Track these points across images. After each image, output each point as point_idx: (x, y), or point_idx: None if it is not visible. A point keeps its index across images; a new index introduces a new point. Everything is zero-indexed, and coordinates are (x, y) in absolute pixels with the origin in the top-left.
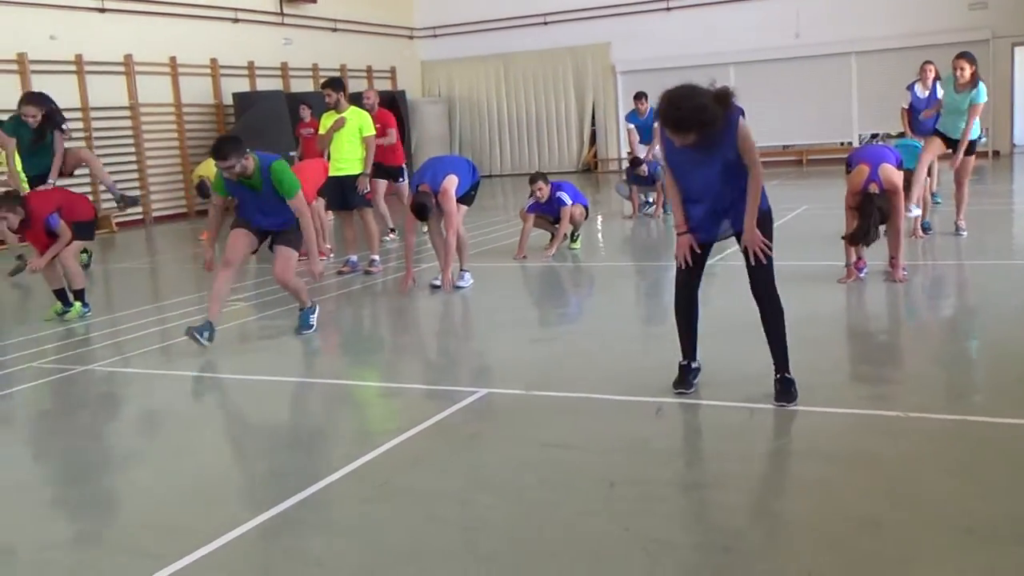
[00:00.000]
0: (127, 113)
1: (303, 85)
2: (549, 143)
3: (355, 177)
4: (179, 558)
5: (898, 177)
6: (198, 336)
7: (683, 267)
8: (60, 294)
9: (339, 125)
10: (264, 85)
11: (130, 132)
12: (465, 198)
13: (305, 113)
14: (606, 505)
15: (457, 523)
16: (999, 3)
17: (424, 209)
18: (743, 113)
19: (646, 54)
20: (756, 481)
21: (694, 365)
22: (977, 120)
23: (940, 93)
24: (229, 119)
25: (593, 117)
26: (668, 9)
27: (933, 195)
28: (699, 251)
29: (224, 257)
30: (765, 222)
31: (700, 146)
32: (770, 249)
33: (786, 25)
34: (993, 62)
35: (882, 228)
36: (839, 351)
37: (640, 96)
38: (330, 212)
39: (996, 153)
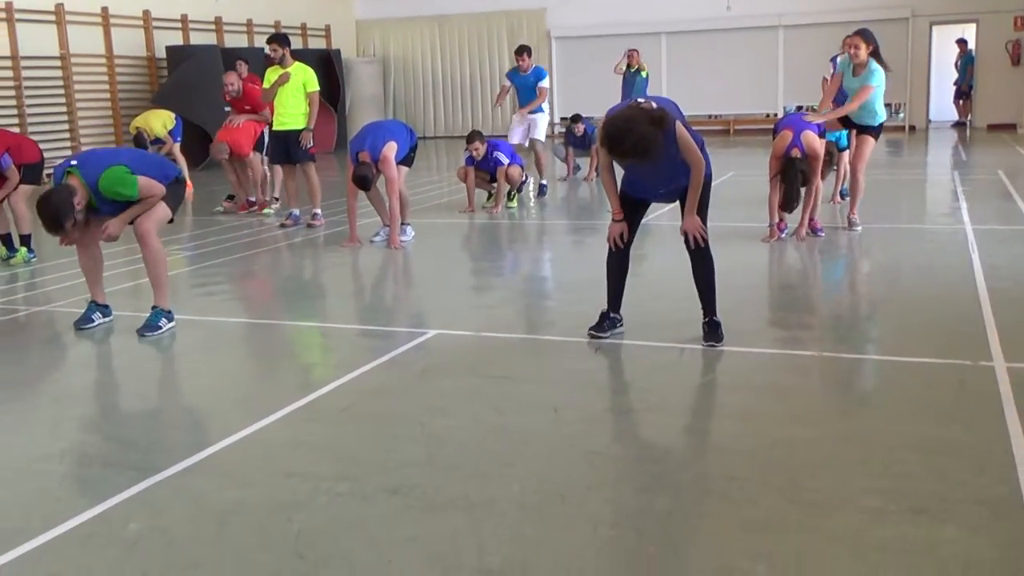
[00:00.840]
0: (58, 63)
1: (237, 40)
2: (484, 105)
3: (298, 132)
4: (171, 464)
5: (819, 144)
6: (87, 325)
7: (613, 250)
8: (5, 239)
9: (283, 80)
10: (197, 40)
11: (61, 83)
12: (405, 160)
13: (242, 68)
14: (553, 428)
15: (419, 440)
16: None
17: (366, 180)
18: (679, 111)
19: (581, 20)
20: (685, 407)
21: (614, 315)
22: (879, 102)
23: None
24: (162, 72)
25: None
26: None
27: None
28: (626, 238)
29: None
30: (705, 188)
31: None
32: (706, 231)
33: None
34: (912, 40)
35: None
36: (761, 300)
37: (523, 51)
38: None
39: (912, 128)
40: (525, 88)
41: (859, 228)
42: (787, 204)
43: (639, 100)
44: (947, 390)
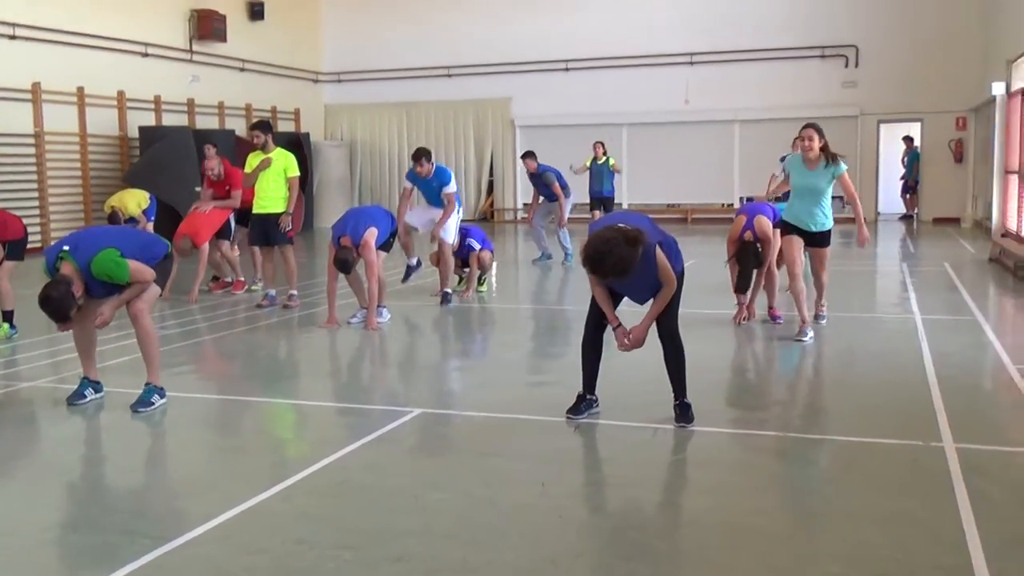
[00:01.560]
0: (31, 141)
1: (209, 122)
2: None
3: (278, 215)
4: (183, 533)
5: (770, 228)
6: (79, 401)
7: (623, 350)
8: (8, 316)
9: (265, 165)
10: (170, 120)
11: (33, 160)
12: (384, 246)
13: (210, 152)
14: (539, 500)
15: (414, 512)
16: (867, 83)
17: (347, 264)
18: (654, 228)
19: (545, 110)
20: (660, 483)
21: (590, 397)
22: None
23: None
24: (134, 152)
25: (492, 168)
26: (567, 69)
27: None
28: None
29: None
30: (678, 287)
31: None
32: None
33: (677, 91)
34: (861, 136)
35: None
36: (727, 383)
37: (419, 156)
38: (236, 248)
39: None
40: (430, 192)
41: (825, 319)
42: (741, 285)
43: (618, 223)
44: (902, 467)
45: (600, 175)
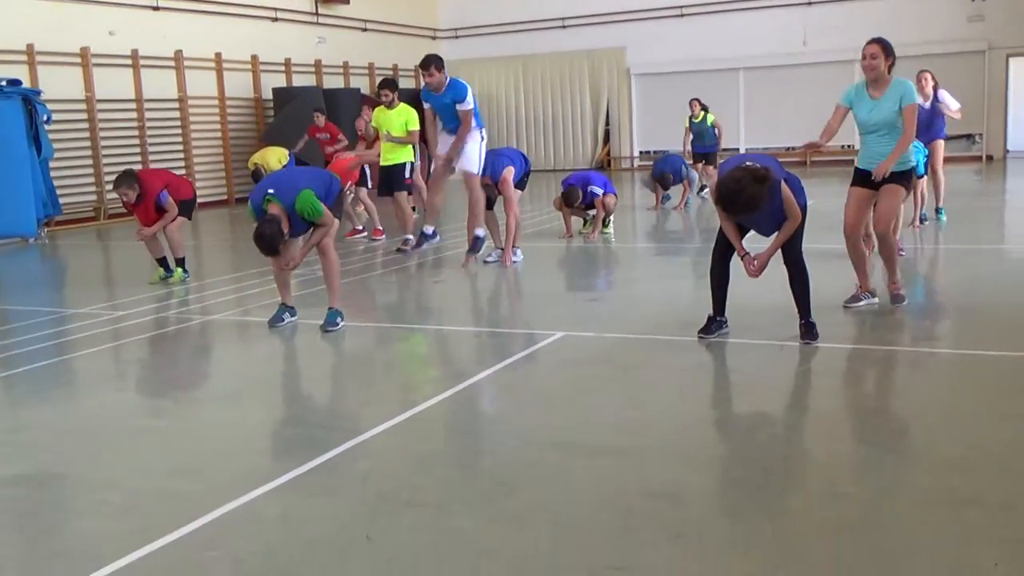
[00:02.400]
0: (176, 105)
1: (335, 82)
2: (564, 141)
3: (400, 166)
4: (368, 429)
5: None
6: (279, 323)
7: (752, 276)
8: (162, 262)
9: (387, 138)
10: (299, 81)
11: (178, 123)
12: (519, 184)
13: (320, 119)
14: (680, 403)
15: (573, 408)
16: (995, 16)
17: (488, 200)
18: (785, 178)
19: (660, 58)
20: (788, 389)
21: (720, 319)
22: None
23: (941, 99)
24: (268, 112)
25: (608, 117)
26: (682, 15)
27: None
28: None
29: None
30: (802, 219)
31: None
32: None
33: (794, 34)
34: (989, 72)
35: None
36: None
37: (427, 64)
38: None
39: (990, 158)
40: (446, 112)
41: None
42: None
43: (747, 162)
44: (1009, 376)
45: (701, 133)
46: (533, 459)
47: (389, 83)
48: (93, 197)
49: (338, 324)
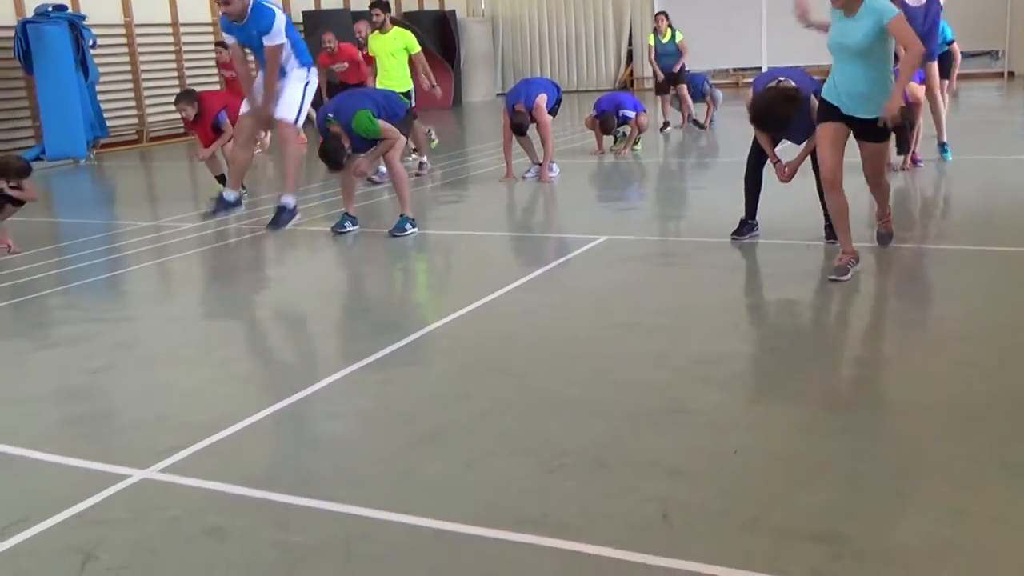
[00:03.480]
0: (210, 29)
1: (361, 3)
2: (587, 61)
3: (404, 94)
4: (440, 319)
5: (920, 90)
6: (341, 230)
7: (783, 181)
8: (221, 179)
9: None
10: (327, 4)
11: (212, 47)
12: (551, 111)
13: (331, 44)
14: (720, 290)
15: (627, 299)
16: None
17: (522, 127)
18: (814, 91)
19: None
20: (813, 285)
21: (751, 222)
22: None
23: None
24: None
25: (631, 38)
26: None
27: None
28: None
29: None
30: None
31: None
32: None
33: None
34: None
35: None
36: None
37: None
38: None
39: (1011, 74)
40: (252, 44)
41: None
42: (901, 147)
43: (778, 78)
44: (1005, 269)
45: (666, 54)
46: (596, 336)
47: (380, 3)
48: (135, 120)
49: (407, 230)
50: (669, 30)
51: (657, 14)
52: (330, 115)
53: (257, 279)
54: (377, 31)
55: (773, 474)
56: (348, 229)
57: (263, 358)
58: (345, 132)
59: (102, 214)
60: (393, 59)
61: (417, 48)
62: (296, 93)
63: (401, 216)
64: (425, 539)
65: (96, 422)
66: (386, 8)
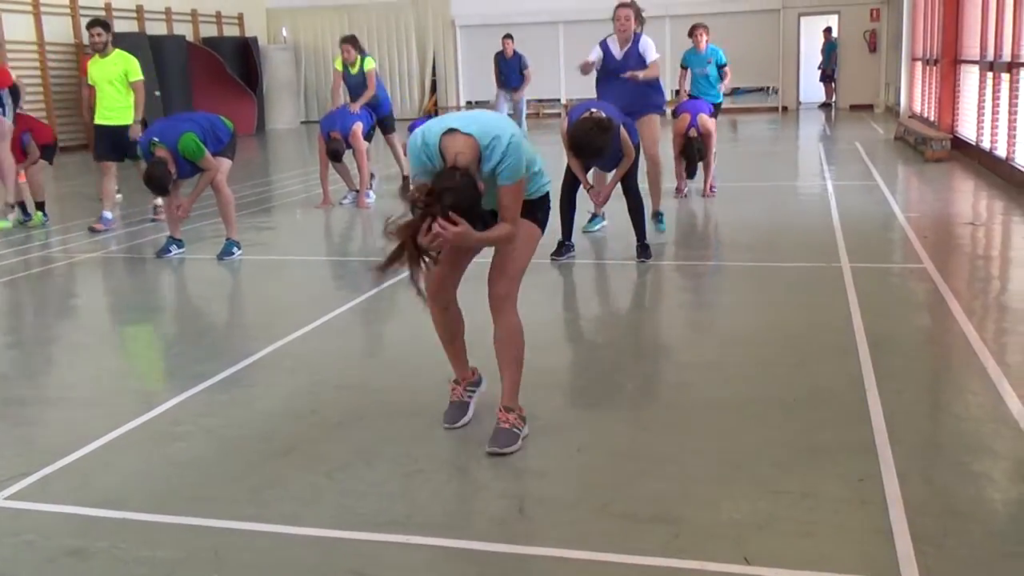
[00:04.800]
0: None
1: (158, 28)
2: (392, 91)
3: (125, 127)
4: (276, 340)
5: (712, 124)
6: (166, 254)
7: (597, 206)
8: (21, 206)
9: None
10: (121, 28)
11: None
12: (367, 136)
13: None
14: (545, 306)
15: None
16: None
17: (338, 153)
18: (622, 123)
19: (483, 11)
20: (627, 301)
21: (568, 243)
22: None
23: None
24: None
25: (434, 67)
26: None
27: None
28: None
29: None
30: (635, 159)
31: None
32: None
33: None
34: (783, 29)
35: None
36: (680, 231)
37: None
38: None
39: (785, 108)
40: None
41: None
42: (690, 172)
43: (592, 110)
44: (806, 278)
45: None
46: (432, 351)
47: (101, 23)
48: None
49: (233, 253)
50: (359, 58)
51: (343, 42)
52: (155, 139)
53: (86, 304)
54: (97, 55)
55: (613, 468)
56: (173, 252)
57: (101, 383)
58: (171, 156)
59: None
60: (111, 87)
61: (139, 75)
62: None
63: (228, 240)
64: (294, 544)
65: None
66: (107, 28)
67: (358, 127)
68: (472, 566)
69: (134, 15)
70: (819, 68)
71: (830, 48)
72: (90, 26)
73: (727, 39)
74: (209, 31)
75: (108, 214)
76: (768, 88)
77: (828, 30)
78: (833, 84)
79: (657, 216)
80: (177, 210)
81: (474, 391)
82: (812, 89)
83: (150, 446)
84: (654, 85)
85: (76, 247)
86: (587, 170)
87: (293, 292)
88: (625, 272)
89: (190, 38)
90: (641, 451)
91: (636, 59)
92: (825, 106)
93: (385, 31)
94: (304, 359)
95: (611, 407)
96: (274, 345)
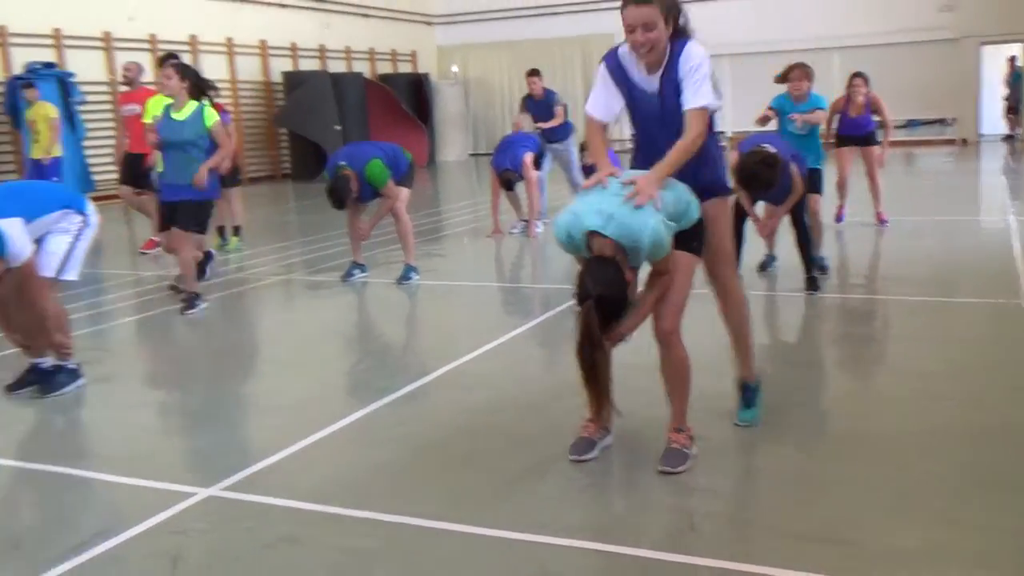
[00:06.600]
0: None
1: (338, 66)
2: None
3: None
4: (452, 360)
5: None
6: (350, 278)
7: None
8: (220, 230)
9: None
10: (304, 66)
11: None
12: (537, 165)
13: None
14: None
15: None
16: (966, 5)
17: (511, 183)
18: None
19: None
20: (794, 330)
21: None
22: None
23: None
24: (277, 95)
25: None
26: None
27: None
28: None
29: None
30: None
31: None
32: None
33: (775, 20)
34: (962, 59)
35: None
36: (843, 262)
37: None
38: None
39: (964, 141)
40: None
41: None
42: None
43: (761, 144)
44: (977, 316)
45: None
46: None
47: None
48: (117, 175)
49: (411, 279)
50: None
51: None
52: (342, 162)
53: (280, 322)
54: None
55: (782, 490)
56: (356, 276)
57: (300, 393)
58: (356, 178)
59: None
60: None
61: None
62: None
63: (406, 265)
64: (479, 544)
65: (158, 447)
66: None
67: (528, 157)
68: (645, 573)
69: (317, 54)
70: (1004, 100)
71: (1016, 78)
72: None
73: (900, 69)
74: (384, 68)
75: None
76: (946, 120)
77: (1013, 59)
78: (1018, 115)
79: (747, 393)
80: (358, 236)
81: (604, 436)
82: (994, 121)
83: (347, 449)
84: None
85: (265, 271)
86: (754, 203)
87: (467, 316)
88: (792, 304)
89: (367, 75)
90: (810, 476)
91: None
92: (1009, 139)
93: (551, 66)
94: (479, 378)
95: (780, 433)
96: (451, 364)
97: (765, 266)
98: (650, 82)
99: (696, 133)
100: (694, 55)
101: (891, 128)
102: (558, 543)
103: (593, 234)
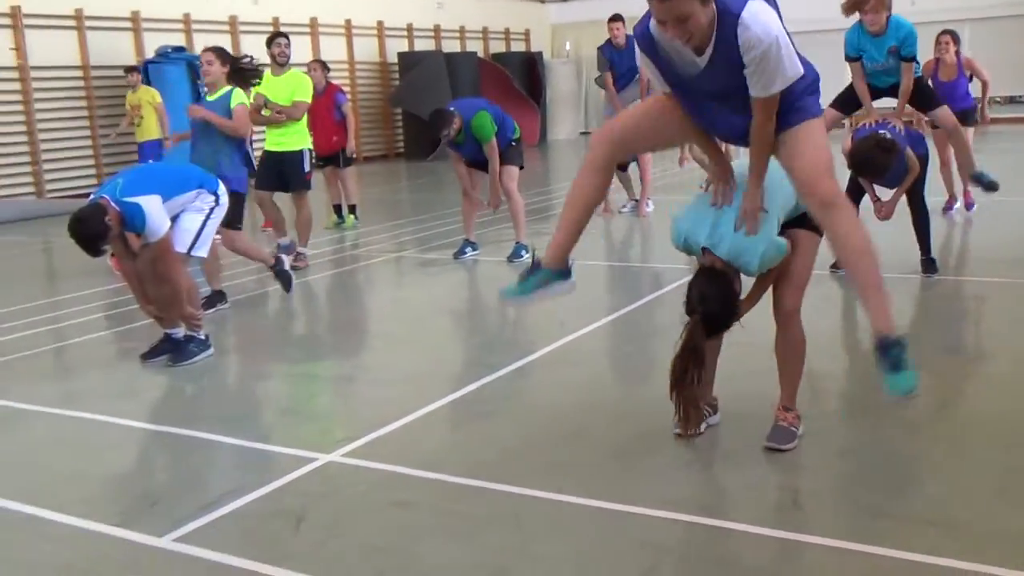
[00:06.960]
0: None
1: (452, 46)
2: None
3: (296, 152)
4: (560, 337)
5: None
6: (462, 256)
7: (881, 219)
8: (337, 208)
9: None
10: (420, 46)
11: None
12: None
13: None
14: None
15: None
16: None
17: (625, 164)
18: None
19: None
20: (913, 310)
21: None
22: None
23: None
24: (392, 75)
25: None
26: None
27: None
28: None
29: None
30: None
31: None
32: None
33: None
34: None
35: None
36: (947, 246)
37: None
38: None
39: None
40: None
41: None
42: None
43: (878, 132)
44: None
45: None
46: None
47: (283, 34)
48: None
49: (522, 256)
50: None
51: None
52: (451, 108)
53: (393, 298)
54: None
55: (886, 470)
56: (468, 253)
57: (413, 366)
58: (463, 127)
59: None
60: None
61: (307, 96)
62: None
63: (517, 243)
64: (584, 514)
65: (281, 414)
66: (287, 40)
67: None
68: (748, 547)
69: (431, 34)
70: None
71: None
72: (272, 39)
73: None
74: (498, 47)
75: (285, 241)
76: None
77: None
78: None
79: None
80: (490, 202)
81: (711, 414)
82: None
83: (458, 421)
84: None
85: (379, 248)
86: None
87: (575, 294)
88: (906, 286)
89: (481, 54)
90: (915, 457)
91: None
92: None
93: None
94: (587, 355)
95: (886, 414)
96: (560, 341)
97: None
98: (696, 62)
99: (765, 117)
100: (757, 37)
101: (989, 85)
102: (661, 515)
103: (705, 253)
